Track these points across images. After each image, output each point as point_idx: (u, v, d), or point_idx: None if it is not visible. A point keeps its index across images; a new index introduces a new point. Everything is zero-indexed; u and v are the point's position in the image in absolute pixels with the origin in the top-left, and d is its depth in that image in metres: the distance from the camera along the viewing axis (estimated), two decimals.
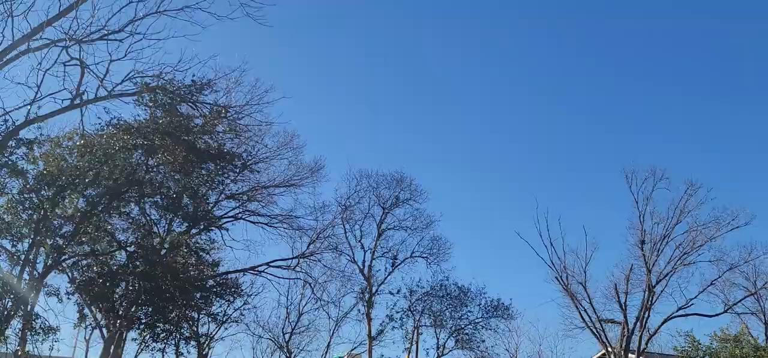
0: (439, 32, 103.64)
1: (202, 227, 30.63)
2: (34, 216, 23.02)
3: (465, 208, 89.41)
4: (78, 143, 23.76)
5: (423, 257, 43.40)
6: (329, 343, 43.44)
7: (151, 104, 24.52)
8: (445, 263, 43.52)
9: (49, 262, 24.59)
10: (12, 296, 22.54)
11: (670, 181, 34.73)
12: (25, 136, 21.84)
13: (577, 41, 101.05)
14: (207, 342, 37.26)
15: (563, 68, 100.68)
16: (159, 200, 28.19)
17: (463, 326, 43.98)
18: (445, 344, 43.48)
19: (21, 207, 22.94)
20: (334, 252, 38.27)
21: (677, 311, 33.64)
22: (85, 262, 27.39)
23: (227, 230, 31.51)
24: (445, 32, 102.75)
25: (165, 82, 22.32)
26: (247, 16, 19.14)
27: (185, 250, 28.94)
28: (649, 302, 33.67)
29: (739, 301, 35.08)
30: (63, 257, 25.29)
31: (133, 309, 28.04)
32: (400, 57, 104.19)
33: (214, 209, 31.67)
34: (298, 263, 35.75)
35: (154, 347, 31.87)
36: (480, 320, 44.07)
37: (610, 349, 34.04)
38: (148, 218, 29.24)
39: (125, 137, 24.02)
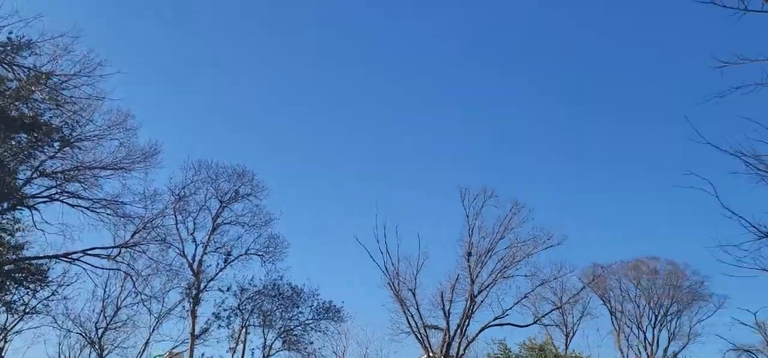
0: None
1: (6, 205, 27.14)
2: None
3: (303, 207, 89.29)
4: None
5: (258, 255, 42.49)
6: (148, 340, 41.16)
7: None
8: (281, 262, 43.05)
9: None
10: None
11: (498, 198, 37.26)
12: None
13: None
14: (2, 335, 33.09)
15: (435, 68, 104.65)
16: None
17: (292, 326, 43.87)
18: (272, 344, 43.09)
19: None
20: (161, 244, 35.81)
21: (494, 320, 36.25)
22: None
23: (38, 210, 28.24)
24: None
25: None
26: None
27: None
28: (470, 311, 35.89)
29: (547, 313, 39.30)
30: None
31: None
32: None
33: (25, 186, 28.19)
34: (119, 253, 32.75)
35: None
36: (310, 321, 44.25)
37: (431, 354, 35.73)
38: None
39: None
